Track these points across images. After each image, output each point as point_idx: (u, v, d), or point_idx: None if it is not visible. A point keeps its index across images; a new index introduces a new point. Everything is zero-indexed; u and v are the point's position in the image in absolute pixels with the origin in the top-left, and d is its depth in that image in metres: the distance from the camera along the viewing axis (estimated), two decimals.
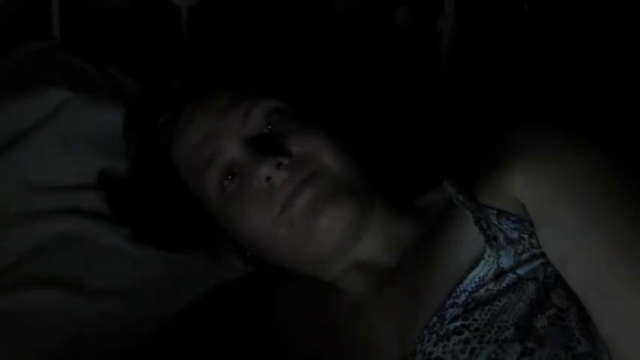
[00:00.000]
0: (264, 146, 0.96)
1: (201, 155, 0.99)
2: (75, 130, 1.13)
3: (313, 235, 0.94)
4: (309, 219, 0.93)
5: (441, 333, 0.85)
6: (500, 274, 0.85)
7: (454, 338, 0.84)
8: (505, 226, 0.85)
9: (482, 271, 0.85)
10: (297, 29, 1.26)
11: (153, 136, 1.03)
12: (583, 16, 1.30)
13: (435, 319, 0.86)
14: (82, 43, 1.26)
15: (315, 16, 1.31)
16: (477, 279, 0.85)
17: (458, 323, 0.84)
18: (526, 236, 0.85)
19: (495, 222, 0.86)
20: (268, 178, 0.94)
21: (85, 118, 1.14)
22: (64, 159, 1.12)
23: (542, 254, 0.85)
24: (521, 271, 0.85)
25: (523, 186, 0.85)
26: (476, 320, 0.84)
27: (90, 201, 1.10)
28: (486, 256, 0.85)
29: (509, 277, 0.85)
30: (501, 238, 0.85)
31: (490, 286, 0.85)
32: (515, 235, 0.85)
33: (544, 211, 0.84)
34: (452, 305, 0.85)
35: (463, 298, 0.85)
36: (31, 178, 1.11)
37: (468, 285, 0.85)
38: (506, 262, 0.85)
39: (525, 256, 0.85)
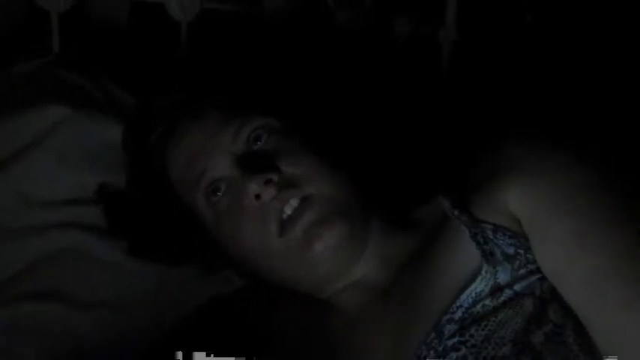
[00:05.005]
0: (253, 163, 0.96)
1: (192, 172, 0.99)
2: (72, 146, 1.14)
3: (309, 260, 0.94)
4: (306, 244, 0.93)
5: (440, 349, 0.84)
6: (496, 289, 0.84)
7: (452, 355, 0.83)
8: (501, 242, 0.85)
9: (479, 286, 0.85)
10: (296, 43, 1.25)
11: (147, 153, 1.03)
12: (587, 26, 1.29)
13: (433, 334, 0.85)
14: (81, 58, 1.26)
15: (315, 29, 1.31)
16: (473, 294, 0.85)
17: (455, 339, 0.84)
18: (522, 252, 0.85)
19: (492, 237, 0.85)
20: (257, 196, 0.94)
21: (83, 134, 1.14)
22: (61, 174, 1.12)
23: (539, 269, 0.85)
24: (517, 287, 0.84)
25: (518, 201, 0.85)
26: (472, 336, 0.83)
27: (86, 215, 1.10)
28: (483, 272, 0.84)
29: (506, 293, 0.84)
30: (498, 254, 0.85)
31: (487, 302, 0.84)
32: (511, 250, 0.85)
33: (539, 225, 0.84)
34: (449, 321, 0.85)
35: (459, 313, 0.85)
36: (28, 193, 1.11)
37: (464, 300, 0.85)
38: (503, 277, 0.85)
39: (522, 271, 0.85)
